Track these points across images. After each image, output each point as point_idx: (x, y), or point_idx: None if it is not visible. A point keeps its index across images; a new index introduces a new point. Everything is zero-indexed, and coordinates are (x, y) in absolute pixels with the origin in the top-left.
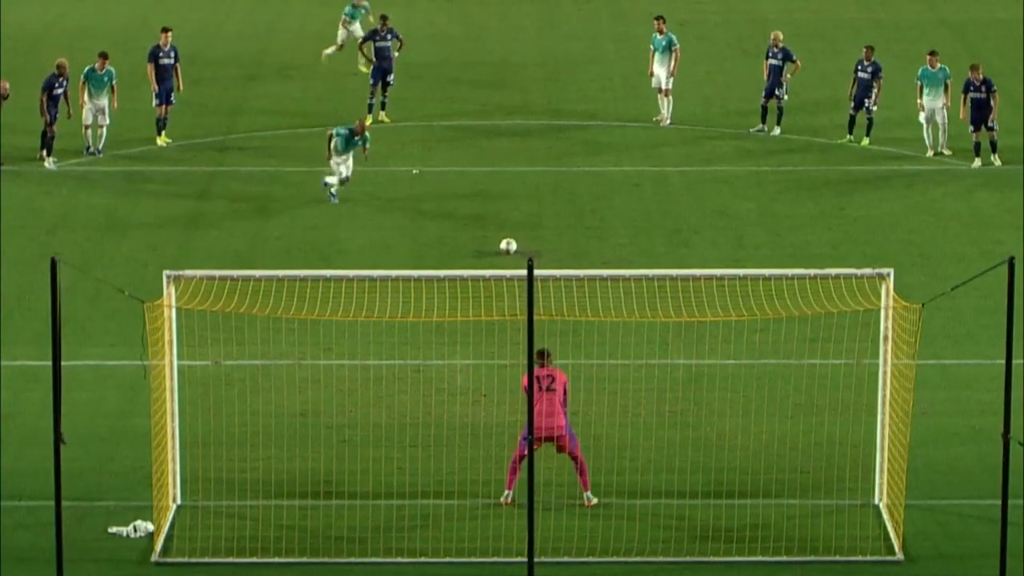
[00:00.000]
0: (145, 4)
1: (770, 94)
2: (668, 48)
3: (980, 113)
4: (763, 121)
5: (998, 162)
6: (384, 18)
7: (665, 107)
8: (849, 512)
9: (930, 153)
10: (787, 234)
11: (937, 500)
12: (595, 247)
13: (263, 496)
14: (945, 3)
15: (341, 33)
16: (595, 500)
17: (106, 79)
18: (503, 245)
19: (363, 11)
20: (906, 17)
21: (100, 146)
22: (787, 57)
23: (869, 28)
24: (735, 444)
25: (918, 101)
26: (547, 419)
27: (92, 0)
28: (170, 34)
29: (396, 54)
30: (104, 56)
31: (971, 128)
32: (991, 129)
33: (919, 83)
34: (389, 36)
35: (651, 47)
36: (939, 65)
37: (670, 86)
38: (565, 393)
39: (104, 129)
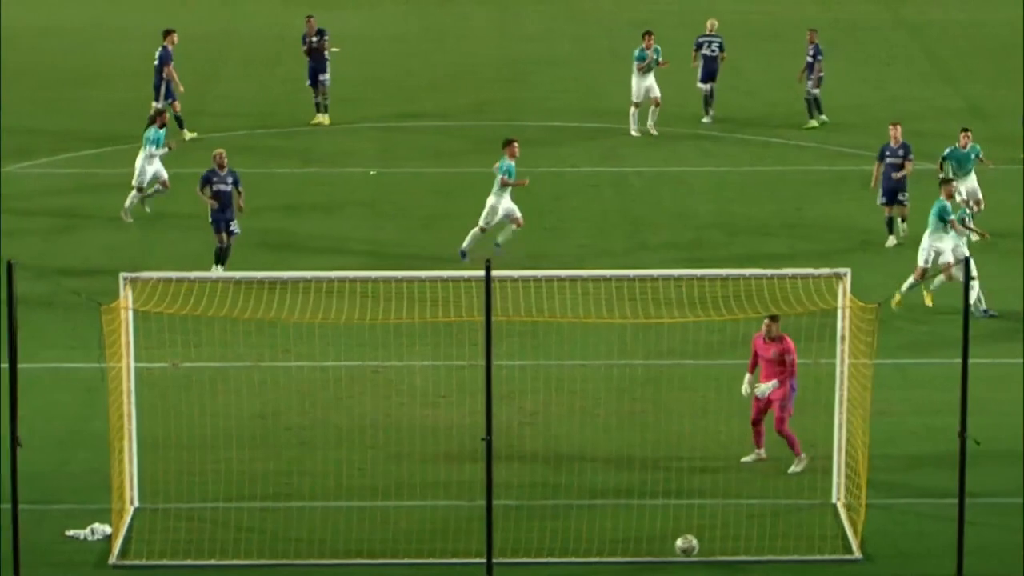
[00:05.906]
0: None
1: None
2: (656, 61)
3: (893, 183)
4: (706, 108)
5: (894, 240)
6: (309, 18)
7: (653, 116)
8: (807, 511)
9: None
10: (745, 235)
11: (894, 499)
12: (553, 248)
13: (222, 498)
14: (902, 4)
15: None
16: (802, 463)
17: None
18: (682, 544)
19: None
20: (865, 18)
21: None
22: (719, 48)
23: (827, 28)
24: (694, 444)
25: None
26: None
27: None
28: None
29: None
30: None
31: (882, 200)
32: (902, 204)
33: (945, 161)
34: (317, 37)
35: (635, 60)
36: (969, 144)
37: (658, 94)
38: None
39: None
